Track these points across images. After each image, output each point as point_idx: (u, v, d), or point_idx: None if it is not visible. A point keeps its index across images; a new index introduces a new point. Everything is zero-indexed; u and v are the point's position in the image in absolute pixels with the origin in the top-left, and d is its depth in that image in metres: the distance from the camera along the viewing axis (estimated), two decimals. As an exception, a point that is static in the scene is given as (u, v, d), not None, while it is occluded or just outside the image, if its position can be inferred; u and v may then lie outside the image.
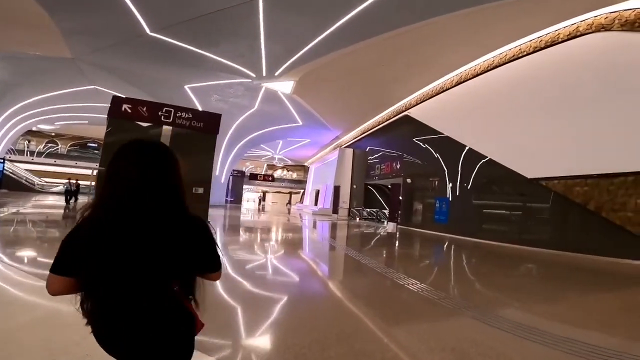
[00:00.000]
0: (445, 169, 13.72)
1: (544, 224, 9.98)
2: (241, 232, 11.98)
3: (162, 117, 10.77)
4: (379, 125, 21.13)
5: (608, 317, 3.97)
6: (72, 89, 20.02)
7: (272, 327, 3.07)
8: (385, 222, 20.02)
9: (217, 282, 4.77)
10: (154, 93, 17.73)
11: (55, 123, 31.89)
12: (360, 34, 11.51)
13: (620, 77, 8.16)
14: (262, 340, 2.81)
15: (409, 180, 16.88)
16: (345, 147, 26.70)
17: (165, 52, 13.61)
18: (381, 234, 14.07)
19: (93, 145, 42.41)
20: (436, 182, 14.47)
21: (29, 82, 19.01)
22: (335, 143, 29.80)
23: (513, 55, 10.99)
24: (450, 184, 13.40)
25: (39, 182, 34.57)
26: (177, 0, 10.45)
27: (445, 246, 10.65)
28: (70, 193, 19.59)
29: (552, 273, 7.00)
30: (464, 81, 13.12)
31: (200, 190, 11.48)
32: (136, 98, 11.95)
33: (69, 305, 1.13)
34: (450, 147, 13.35)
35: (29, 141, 39.60)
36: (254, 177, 46.75)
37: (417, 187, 16.28)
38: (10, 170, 31.61)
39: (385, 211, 21.91)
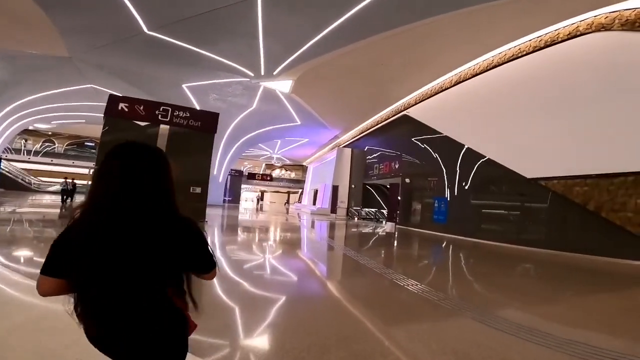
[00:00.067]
0: (444, 169, 13.68)
1: (543, 224, 9.95)
2: (239, 232, 11.90)
3: (160, 115, 10.71)
4: (377, 124, 21.07)
5: (610, 318, 3.93)
6: (69, 88, 19.89)
7: (270, 329, 3.01)
8: (384, 222, 19.99)
9: (215, 283, 4.75)
10: (152, 92, 17.64)
11: (52, 122, 31.70)
12: (360, 33, 11.45)
13: (621, 76, 8.13)
14: (260, 344, 2.74)
15: (407, 180, 16.84)
16: (343, 146, 26.66)
17: (163, 50, 13.52)
18: (379, 234, 14.02)
19: (90, 144, 42.18)
20: (435, 182, 14.43)
21: (25, 80, 18.87)
22: (333, 143, 29.74)
23: (512, 55, 10.95)
24: (449, 184, 13.36)
25: (36, 182, 34.36)
26: (174, -2, 10.38)
27: (444, 246, 10.61)
28: (67, 192, 19.45)
29: (552, 273, 6.97)
30: (463, 81, 13.08)
31: (198, 190, 11.44)
32: (133, 97, 11.85)
33: (60, 307, 1.13)
34: (449, 146, 13.32)
35: (26, 140, 39.37)
36: (252, 176, 46.64)
37: (416, 187, 16.24)
38: (7, 170, 31.42)
39: (383, 211, 21.88)
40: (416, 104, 16.21)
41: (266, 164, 54.26)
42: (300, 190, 47.73)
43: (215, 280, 4.88)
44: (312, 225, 16.60)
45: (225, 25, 11.52)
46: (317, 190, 30.01)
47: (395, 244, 11.06)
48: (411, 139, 16.22)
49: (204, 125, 12.00)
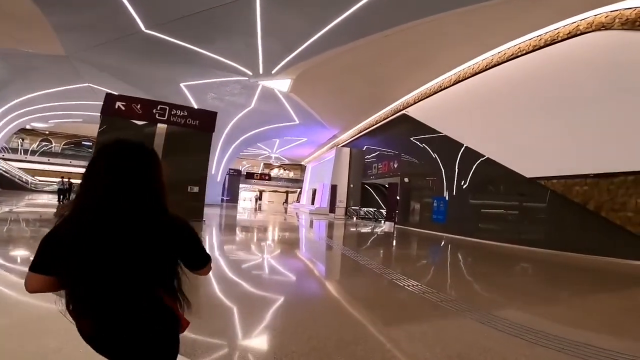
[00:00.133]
0: (443, 168, 13.64)
1: (542, 224, 9.91)
2: (237, 232, 11.83)
3: (157, 114, 10.63)
4: (376, 124, 21.01)
5: (620, 320, 3.88)
6: (66, 87, 19.78)
7: (268, 333, 2.95)
8: (383, 221, 19.95)
9: (213, 283, 4.68)
10: (149, 91, 17.54)
11: (49, 121, 31.57)
12: (359, 32, 11.39)
13: (621, 76, 8.08)
14: (259, 348, 2.68)
15: (406, 180, 16.79)
16: (342, 146, 26.58)
17: (160, 49, 13.43)
18: (378, 233, 13.98)
19: (87, 143, 42.00)
20: (434, 182, 14.39)
21: (22, 79, 18.75)
22: (332, 142, 29.67)
23: (512, 54, 10.90)
24: (448, 183, 13.32)
25: (33, 181, 34.19)
26: (172, -4, 10.29)
27: (444, 246, 10.58)
28: (64, 192, 19.33)
29: (553, 273, 6.92)
30: (462, 80, 13.03)
31: (196, 189, 11.36)
32: (130, 96, 11.75)
33: (49, 311, 1.10)
34: (448, 146, 13.27)
35: (23, 139, 39.22)
36: (250, 176, 46.60)
37: (415, 186, 16.20)
38: (4, 169, 31.28)
39: (382, 210, 21.84)
40: (415, 103, 16.15)
41: (264, 164, 54.19)
42: (298, 189, 47.66)
43: (212, 280, 4.84)
44: (311, 225, 16.56)
45: (223, 23, 11.44)
46: (315, 190, 29.96)
47: (395, 244, 11.02)
48: (410, 139, 16.16)
49: (202, 124, 11.92)
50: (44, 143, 41.06)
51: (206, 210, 13.48)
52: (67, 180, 19.98)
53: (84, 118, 28.16)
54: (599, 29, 8.61)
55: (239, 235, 10.99)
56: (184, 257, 1.18)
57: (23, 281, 1.07)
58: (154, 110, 10.69)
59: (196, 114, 12.11)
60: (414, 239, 12.31)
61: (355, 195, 24.35)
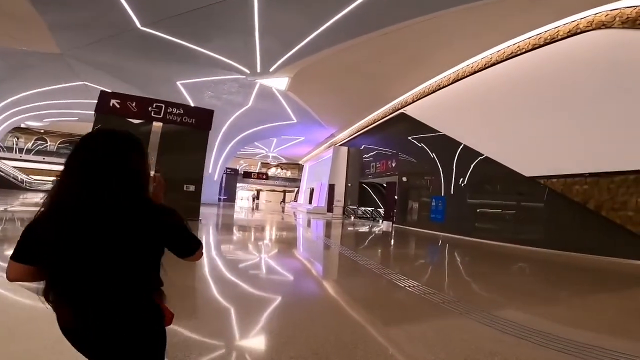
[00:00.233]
0: (441, 167, 13.58)
1: (542, 223, 9.86)
2: (234, 231, 11.73)
3: (152, 112, 10.48)
4: (374, 123, 20.92)
5: (626, 321, 3.80)
6: (60, 85, 19.56)
7: (265, 335, 2.85)
8: (381, 220, 19.88)
9: (209, 284, 4.58)
10: (145, 89, 17.34)
11: (44, 120, 31.30)
12: (357, 30, 11.29)
13: (621, 75, 8.03)
14: (256, 352, 2.58)
15: (404, 179, 16.72)
16: (340, 145, 26.48)
17: (156, 47, 13.26)
18: (377, 233, 13.91)
19: (83, 142, 41.60)
20: (432, 181, 14.32)
21: (16, 77, 18.51)
22: (330, 141, 29.56)
23: (511, 53, 10.83)
24: (447, 183, 13.26)
25: (27, 180, 33.91)
26: (168, -7, 10.14)
27: (443, 246, 10.51)
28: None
29: (556, 274, 6.86)
30: (461, 79, 12.95)
31: (192, 188, 11.24)
32: (125, 93, 11.59)
33: (36, 318, 1.03)
34: (446, 145, 13.20)
35: (18, 138, 38.92)
36: (247, 175, 46.37)
37: (413, 185, 16.13)
38: (-2, 168, 31.01)
39: (380, 210, 21.77)
40: (413, 102, 16.06)
41: (262, 163, 54.02)
42: (296, 189, 47.54)
43: (208, 281, 4.75)
44: (308, 224, 16.47)
45: (221, 21, 11.29)
46: (313, 189, 29.87)
47: (394, 243, 10.95)
48: (408, 138, 16.09)
49: (199, 123, 11.78)
50: (39, 142, 40.74)
51: (203, 209, 13.36)
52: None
53: (80, 117, 27.89)
54: (599, 28, 8.55)
55: (236, 234, 10.89)
56: (171, 245, 1.14)
57: (17, 282, 1.05)
58: (150, 108, 10.54)
59: (192, 112, 11.98)
60: (413, 238, 12.24)
61: (353, 194, 24.27)
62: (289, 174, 56.27)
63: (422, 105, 15.40)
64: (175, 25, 11.61)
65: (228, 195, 37.81)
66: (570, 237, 8.77)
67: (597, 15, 8.61)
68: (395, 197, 17.38)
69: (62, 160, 1.10)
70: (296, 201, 40.37)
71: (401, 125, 16.98)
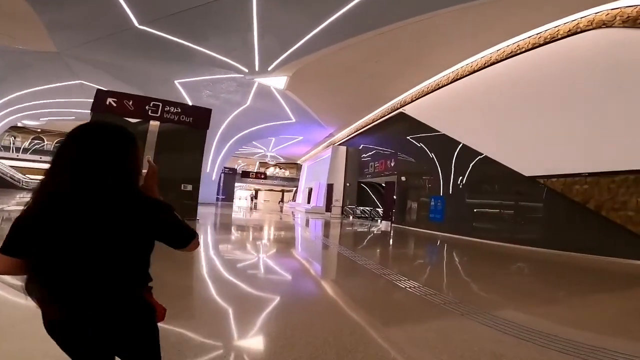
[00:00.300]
0: (441, 167, 13.53)
1: (542, 223, 9.82)
2: (232, 231, 11.65)
3: (150, 111, 10.38)
4: (373, 122, 20.87)
5: (630, 322, 3.75)
6: (57, 84, 19.41)
7: (263, 338, 2.78)
8: (379, 220, 19.83)
9: (206, 284, 4.52)
10: (143, 88, 17.20)
11: (41, 119, 31.12)
12: (356, 29, 11.21)
13: (622, 74, 7.99)
14: (253, 356, 2.51)
15: (403, 179, 16.67)
16: (338, 144, 26.42)
17: (154, 45, 13.13)
18: (376, 232, 13.85)
19: (80, 141, 41.42)
20: (431, 180, 14.27)
21: (12, 76, 18.34)
22: (328, 141, 29.49)
23: (511, 52, 10.79)
24: (446, 182, 13.21)
25: (24, 179, 33.73)
26: (166, -9, 10.04)
27: (443, 246, 10.46)
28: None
29: (557, 274, 6.82)
30: (460, 78, 12.91)
31: (189, 188, 11.15)
32: (122, 92, 11.48)
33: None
34: (445, 144, 13.15)
35: (15, 137, 38.71)
36: (246, 174, 46.26)
37: (412, 185, 16.08)
38: (-6, 167, 30.84)
39: (379, 209, 21.72)
40: (412, 101, 16.02)
41: (260, 162, 53.90)
42: (294, 188, 47.45)
43: (205, 281, 4.68)
44: (307, 224, 16.41)
45: (219, 19, 11.19)
46: (311, 189, 29.81)
47: (393, 243, 10.89)
48: (407, 137, 16.04)
49: (196, 121, 11.69)
50: (36, 141, 40.51)
51: (200, 209, 13.28)
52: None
53: (77, 116, 27.70)
54: (600, 27, 8.51)
55: (234, 234, 10.81)
56: (164, 237, 1.12)
57: (12, 283, 1.01)
58: (147, 107, 10.43)
59: (190, 110, 11.88)
60: (412, 238, 12.20)
61: (352, 194, 24.22)
62: (287, 173, 56.17)
63: (421, 105, 15.35)
64: (173, 23, 11.51)
65: (226, 194, 37.70)
66: (570, 237, 8.73)
67: (597, 14, 8.57)
68: (394, 196, 17.33)
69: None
70: (294, 201, 40.30)
71: (400, 125, 16.93)
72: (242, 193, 55.66)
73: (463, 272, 6.95)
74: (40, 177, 1.07)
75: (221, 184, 34.86)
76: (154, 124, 10.72)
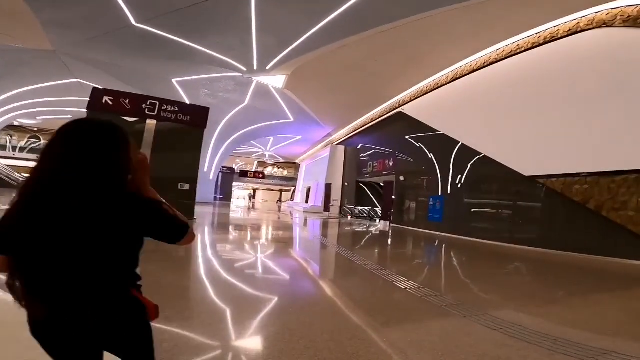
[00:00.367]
0: (440, 167, 13.48)
1: (541, 223, 9.78)
2: (230, 230, 11.57)
3: (146, 110, 10.27)
4: (371, 122, 20.82)
5: (634, 323, 3.69)
6: (54, 83, 19.27)
7: (260, 340, 2.70)
8: (378, 220, 19.78)
9: (203, 284, 4.44)
10: (140, 87, 17.08)
11: (38, 118, 30.97)
12: (355, 27, 11.14)
13: (622, 74, 7.96)
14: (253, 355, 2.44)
15: (402, 178, 16.63)
16: (337, 144, 26.35)
17: (151, 44, 13.03)
18: (374, 232, 13.80)
19: (77, 140, 41.25)
20: (430, 180, 14.22)
21: (8, 74, 18.19)
22: (327, 140, 29.43)
23: (511, 51, 10.74)
24: (444, 182, 13.17)
25: (21, 179, 33.56)
26: (164, -11, 9.94)
27: (442, 246, 10.41)
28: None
29: (558, 274, 6.76)
30: (459, 77, 12.86)
31: (186, 187, 11.05)
32: (118, 90, 11.36)
33: None
34: (444, 144, 13.10)
35: (11, 136, 38.50)
36: (244, 174, 46.12)
37: (411, 185, 16.03)
38: (-10, 166, 30.66)
39: (377, 209, 21.67)
40: (411, 101, 15.96)
41: (258, 162, 53.78)
42: (292, 188, 47.38)
43: (202, 281, 4.61)
44: (305, 224, 16.34)
45: (217, 17, 11.10)
46: (309, 188, 29.74)
47: (392, 243, 10.84)
48: (406, 137, 15.99)
49: (194, 120, 11.59)
50: (32, 140, 40.29)
51: (198, 208, 13.19)
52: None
53: (73, 114, 27.48)
54: (600, 27, 8.47)
55: (232, 234, 10.73)
56: (155, 232, 1.09)
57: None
58: (144, 105, 10.31)
59: (187, 109, 11.78)
60: (410, 238, 12.15)
61: (350, 193, 24.16)
62: (285, 173, 56.07)
63: (420, 104, 15.30)
64: (171, 21, 11.40)
65: (224, 194, 37.59)
66: (570, 237, 8.70)
67: (598, 14, 8.53)
68: (393, 196, 17.28)
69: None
70: (293, 200, 40.23)
71: (399, 124, 16.89)
72: (240, 193, 55.53)
73: (462, 272, 6.90)
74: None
75: (219, 184, 34.74)
76: (151, 123, 10.61)
